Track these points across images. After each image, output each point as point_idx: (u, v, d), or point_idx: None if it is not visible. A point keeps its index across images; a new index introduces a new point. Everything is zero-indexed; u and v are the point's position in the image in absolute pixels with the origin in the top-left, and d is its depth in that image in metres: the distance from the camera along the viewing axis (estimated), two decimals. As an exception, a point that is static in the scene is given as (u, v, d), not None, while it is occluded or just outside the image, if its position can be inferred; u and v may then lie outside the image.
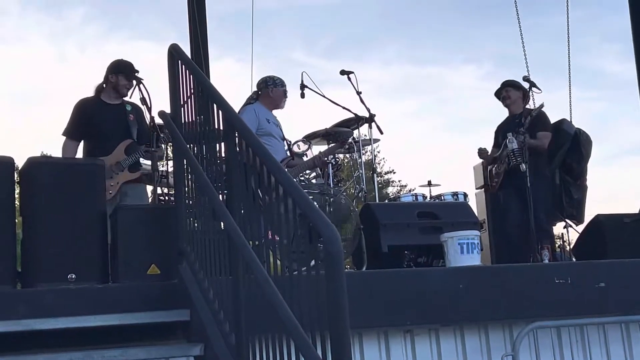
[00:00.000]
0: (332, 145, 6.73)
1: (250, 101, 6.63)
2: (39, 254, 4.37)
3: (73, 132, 6.05)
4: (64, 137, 6.05)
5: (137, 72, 5.99)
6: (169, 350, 3.87)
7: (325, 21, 42.75)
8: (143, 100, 5.90)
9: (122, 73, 6.05)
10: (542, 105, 6.73)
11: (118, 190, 5.85)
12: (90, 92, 6.20)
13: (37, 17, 40.61)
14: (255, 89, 6.74)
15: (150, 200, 6.71)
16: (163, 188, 6.92)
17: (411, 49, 42.48)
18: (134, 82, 6.00)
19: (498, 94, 7.21)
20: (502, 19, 32.98)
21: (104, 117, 6.04)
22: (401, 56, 42.59)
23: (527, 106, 7.06)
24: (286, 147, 6.66)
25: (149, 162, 6.30)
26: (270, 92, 6.60)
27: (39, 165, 4.62)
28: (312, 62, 41.36)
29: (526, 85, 6.88)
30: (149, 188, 6.75)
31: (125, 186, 5.92)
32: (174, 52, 4.49)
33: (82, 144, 6.09)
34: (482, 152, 7.25)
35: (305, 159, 6.72)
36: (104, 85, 6.14)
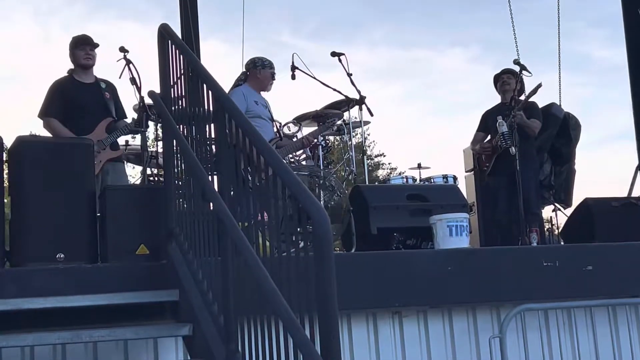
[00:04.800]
0: (320, 126, 6.71)
1: (238, 82, 6.61)
2: (27, 233, 4.36)
3: (54, 111, 6.05)
4: (47, 118, 6.03)
5: (127, 51, 5.98)
6: (157, 331, 3.87)
7: (312, 4, 42.39)
8: (133, 80, 5.91)
9: (76, 47, 6.14)
10: (539, 85, 6.65)
11: (100, 169, 5.89)
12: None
13: (22, -5, 40.08)
14: (244, 69, 6.72)
15: (139, 180, 6.73)
16: (152, 169, 6.91)
17: (398, 32, 42.18)
18: (89, 49, 6.12)
19: (498, 78, 7.16)
20: (488, 3, 32.84)
21: (80, 96, 6.08)
22: (388, 39, 42.29)
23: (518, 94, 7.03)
24: (275, 129, 6.65)
25: (135, 142, 6.33)
26: (258, 73, 6.57)
27: (28, 144, 4.60)
28: (299, 45, 41.04)
29: (517, 68, 6.87)
30: (138, 168, 6.77)
31: (107, 164, 5.98)
32: (165, 32, 4.46)
33: None
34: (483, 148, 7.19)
35: (294, 140, 6.71)
36: (74, 66, 6.23)
